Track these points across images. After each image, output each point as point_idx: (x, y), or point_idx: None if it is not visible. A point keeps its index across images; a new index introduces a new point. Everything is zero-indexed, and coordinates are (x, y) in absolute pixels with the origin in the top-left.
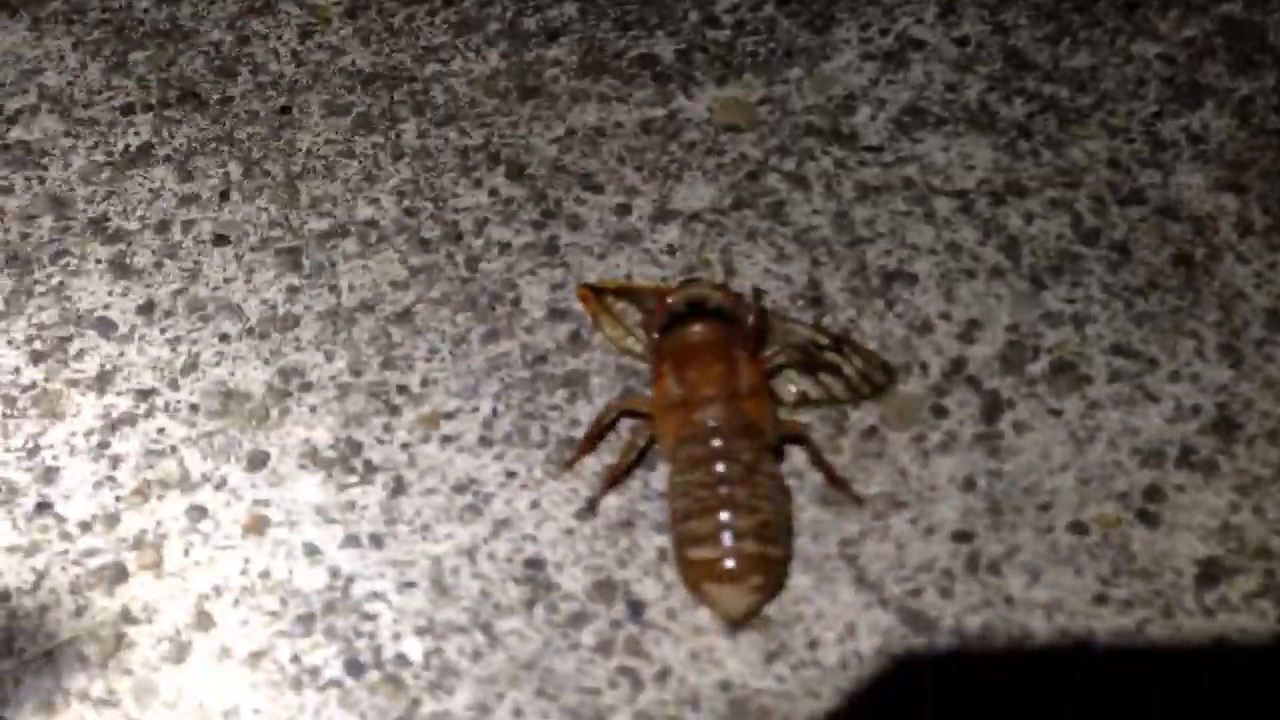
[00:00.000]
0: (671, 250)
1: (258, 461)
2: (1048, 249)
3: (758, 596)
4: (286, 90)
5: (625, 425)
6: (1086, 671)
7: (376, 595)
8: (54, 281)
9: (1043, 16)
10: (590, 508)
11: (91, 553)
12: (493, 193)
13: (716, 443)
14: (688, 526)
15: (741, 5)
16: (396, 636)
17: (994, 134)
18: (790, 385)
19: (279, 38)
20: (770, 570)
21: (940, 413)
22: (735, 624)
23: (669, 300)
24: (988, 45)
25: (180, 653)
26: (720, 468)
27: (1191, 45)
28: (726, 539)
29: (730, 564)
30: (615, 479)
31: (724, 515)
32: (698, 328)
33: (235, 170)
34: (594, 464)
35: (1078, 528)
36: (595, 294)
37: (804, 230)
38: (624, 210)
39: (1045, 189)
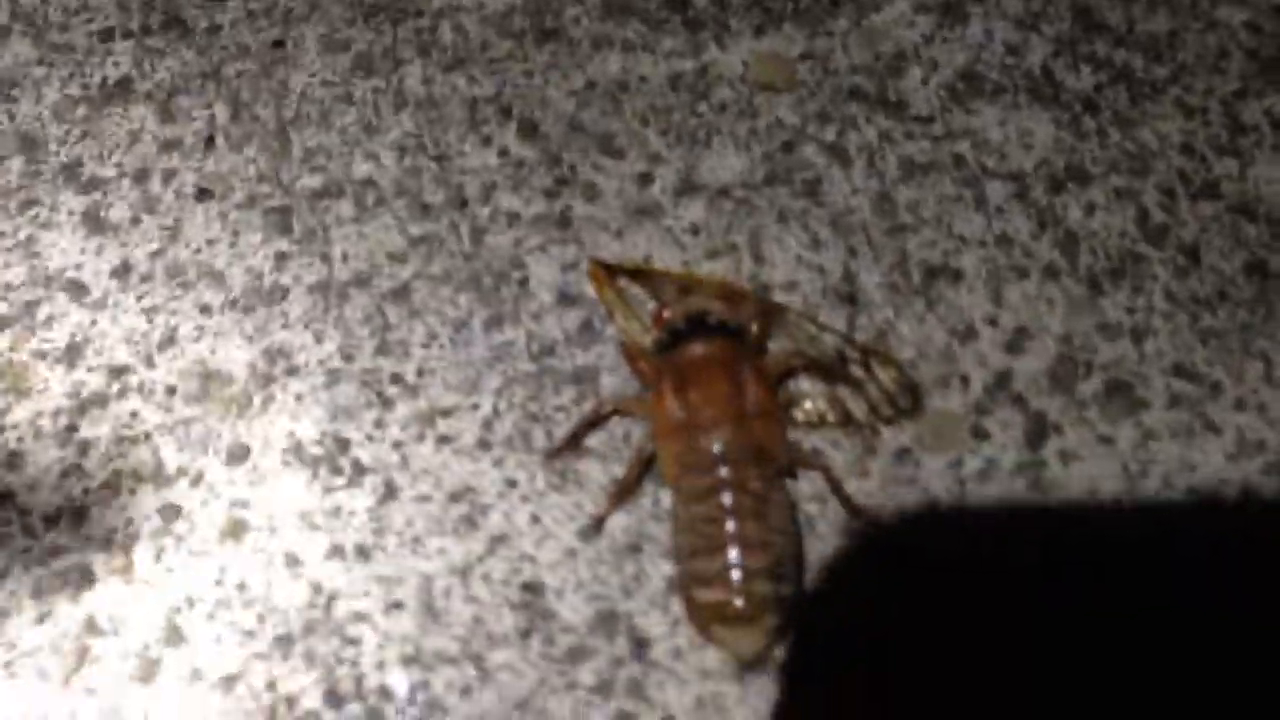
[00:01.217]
0: (695, 230)
1: (238, 455)
2: (1108, 248)
3: (771, 638)
4: (280, 20)
5: (634, 432)
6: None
7: (361, 617)
8: (22, 235)
9: None
10: (595, 527)
11: (56, 552)
12: (502, 153)
13: (723, 471)
14: (694, 565)
15: None
16: (380, 665)
17: (1057, 107)
18: (805, 401)
19: None
20: (784, 610)
21: (980, 435)
22: (747, 665)
23: (665, 315)
24: (1056, 1)
25: (148, 671)
26: (728, 499)
27: None
28: (736, 579)
29: (741, 605)
30: (622, 496)
31: (733, 553)
32: (699, 346)
33: (222, 113)
34: (600, 474)
35: None
36: (608, 274)
37: (842, 213)
38: (645, 180)
39: (1110, 176)
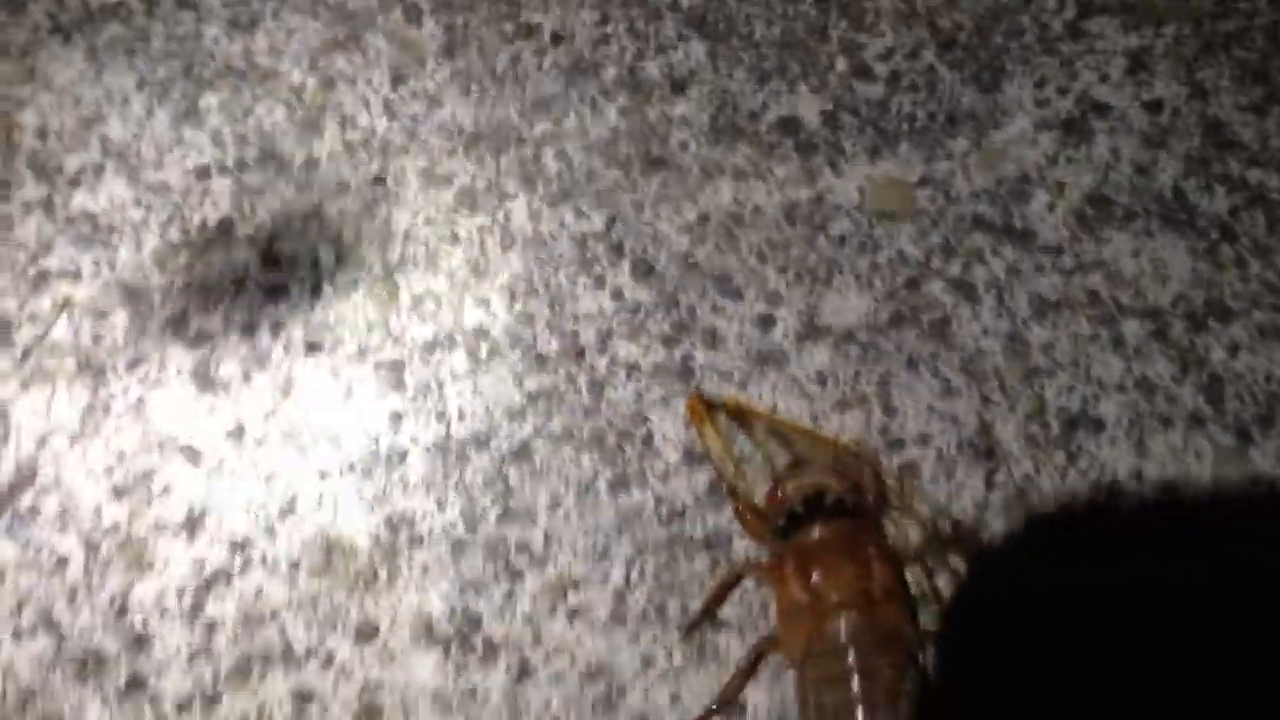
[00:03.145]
0: (822, 379)
1: (367, 634)
2: (1255, 392)
3: None
4: (379, 153)
5: (771, 606)
6: None
7: None
8: (132, 397)
9: (1248, 76)
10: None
11: None
12: (617, 295)
13: (851, 657)
14: None
15: (896, 51)
16: None
17: (1192, 234)
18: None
19: (368, 81)
20: None
21: None
22: None
23: (782, 496)
24: (1184, 114)
25: None
26: (858, 687)
27: None
28: None
29: None
30: (729, 696)
31: None
32: (820, 529)
33: (326, 256)
34: (738, 649)
35: None
36: (709, 411)
37: (972, 356)
38: (767, 323)
39: (1252, 311)
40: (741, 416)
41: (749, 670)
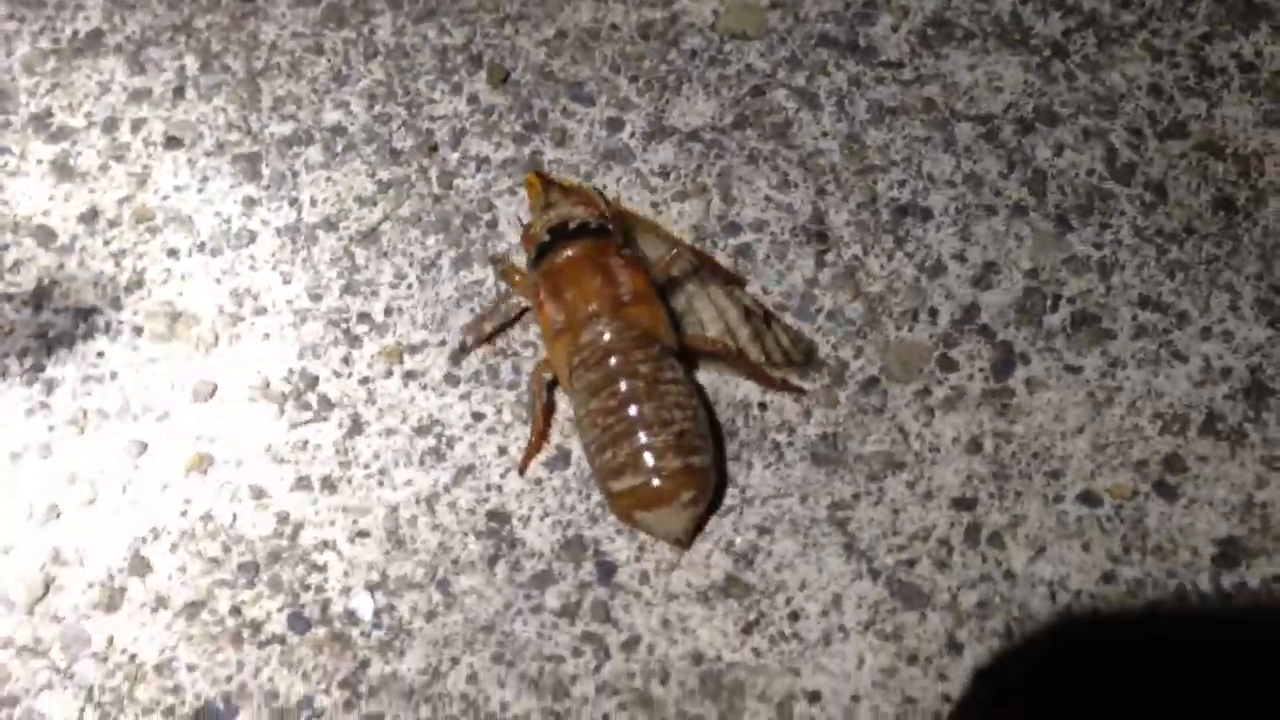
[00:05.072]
0: (665, 172)
1: (204, 393)
2: (1076, 186)
3: (693, 510)
4: None
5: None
6: (1089, 655)
7: (326, 545)
8: None
9: None
10: (520, 472)
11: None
12: (472, 100)
13: (612, 361)
14: (604, 458)
15: None
16: (346, 591)
17: (1026, 52)
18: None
19: None
20: (700, 481)
21: (948, 365)
22: (680, 543)
23: (531, 231)
24: None
25: (113, 600)
26: (622, 387)
27: None
28: (647, 461)
29: (656, 484)
30: (537, 431)
31: (638, 437)
32: (565, 249)
33: (191, 64)
34: (565, 407)
35: (1089, 498)
36: (545, 186)
37: (811, 154)
38: (615, 125)
39: (1078, 117)
40: (574, 194)
41: (541, 402)
